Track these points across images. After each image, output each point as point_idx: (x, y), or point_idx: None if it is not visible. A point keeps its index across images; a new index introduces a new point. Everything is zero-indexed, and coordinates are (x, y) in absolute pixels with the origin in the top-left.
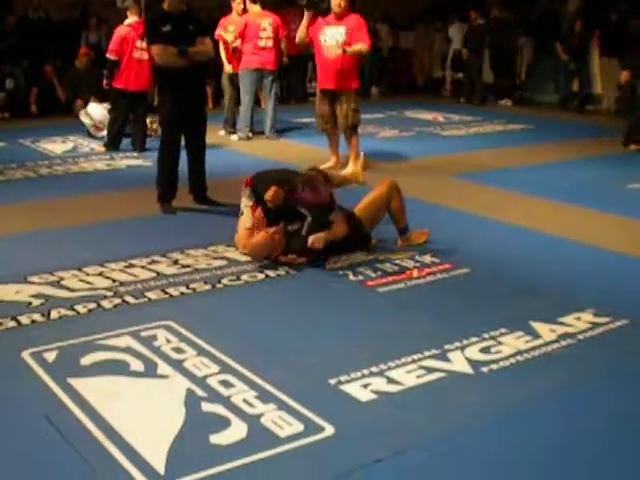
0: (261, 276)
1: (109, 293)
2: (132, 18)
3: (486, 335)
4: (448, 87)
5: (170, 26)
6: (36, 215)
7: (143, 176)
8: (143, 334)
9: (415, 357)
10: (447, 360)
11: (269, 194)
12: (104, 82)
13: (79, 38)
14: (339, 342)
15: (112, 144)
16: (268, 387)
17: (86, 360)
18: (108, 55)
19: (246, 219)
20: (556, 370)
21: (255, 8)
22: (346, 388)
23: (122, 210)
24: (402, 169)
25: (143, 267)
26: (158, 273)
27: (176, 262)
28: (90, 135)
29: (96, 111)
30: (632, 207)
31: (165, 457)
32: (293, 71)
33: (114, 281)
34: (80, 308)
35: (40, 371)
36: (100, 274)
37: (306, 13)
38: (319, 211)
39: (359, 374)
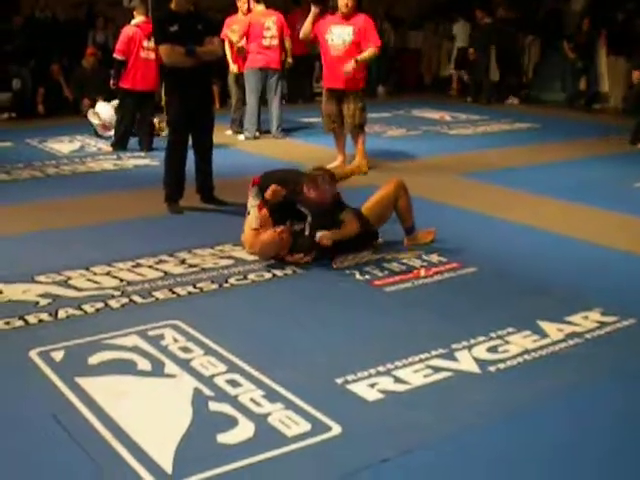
0: (268, 275)
1: (116, 293)
2: (139, 18)
3: (493, 334)
4: (455, 86)
5: (178, 26)
6: (43, 215)
7: (150, 176)
8: (150, 333)
9: (422, 356)
10: (454, 359)
11: (268, 192)
12: (111, 82)
13: (86, 38)
14: (346, 341)
15: (119, 144)
16: (275, 386)
17: (93, 359)
18: (115, 55)
19: (252, 219)
20: (563, 369)
21: (259, 8)
22: (353, 387)
23: (129, 210)
24: (409, 168)
25: (150, 267)
26: (165, 272)
27: (183, 262)
28: (97, 135)
29: (104, 110)
30: (639, 206)
31: (172, 456)
32: (300, 71)
33: (121, 281)
34: (87, 307)
35: (47, 370)
36: (107, 274)
37: (313, 9)
38: (320, 211)
39: (366, 373)
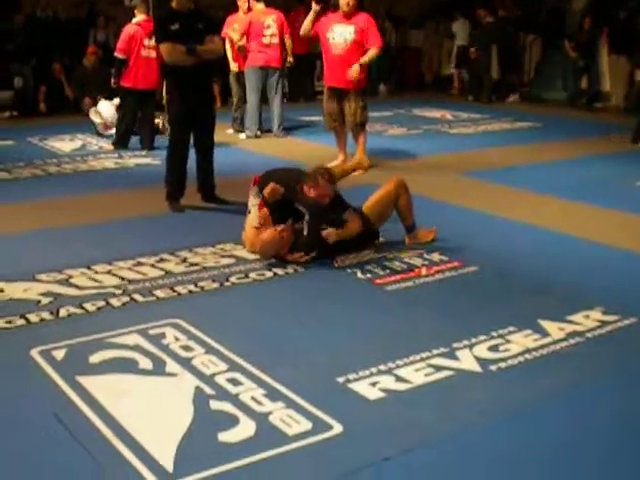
0: (269, 274)
1: (118, 291)
2: (140, 16)
3: (494, 333)
4: (456, 85)
5: (179, 24)
6: (44, 213)
7: (151, 174)
8: (151, 332)
9: (423, 355)
10: (456, 358)
11: (266, 191)
12: (112, 81)
13: (87, 36)
14: (347, 340)
15: (120, 142)
16: (276, 385)
17: (95, 358)
18: (116, 54)
19: (253, 218)
20: (565, 368)
21: (259, 6)
22: (354, 386)
23: (130, 208)
24: (410, 167)
25: (151, 265)
26: (166, 271)
27: (184, 260)
28: (98, 133)
29: (106, 109)
30: None
31: (173, 455)
32: (301, 69)
33: (123, 279)
34: (89, 306)
35: (49, 369)
36: (109, 272)
37: (314, 6)
38: (318, 210)
39: (367, 372)
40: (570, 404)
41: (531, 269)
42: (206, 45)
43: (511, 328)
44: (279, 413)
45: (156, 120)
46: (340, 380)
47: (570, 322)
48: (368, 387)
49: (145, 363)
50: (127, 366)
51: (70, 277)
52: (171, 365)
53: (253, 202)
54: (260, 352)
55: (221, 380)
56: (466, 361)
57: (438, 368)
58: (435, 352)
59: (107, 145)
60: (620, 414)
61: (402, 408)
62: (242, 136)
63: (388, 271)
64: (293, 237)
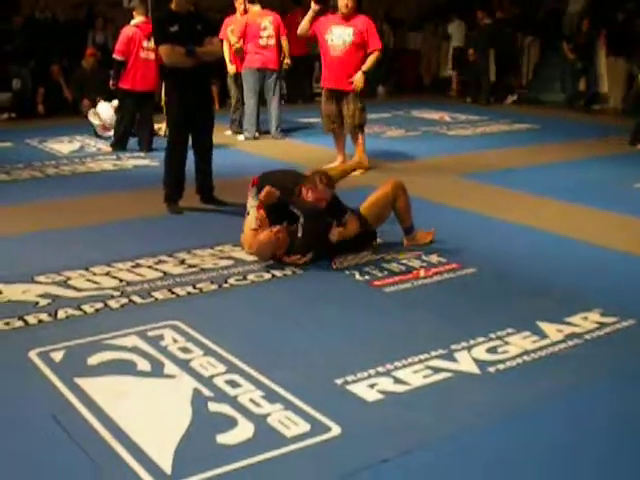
0: (267, 276)
1: (116, 293)
2: (138, 18)
3: (493, 335)
4: (455, 87)
5: (178, 26)
6: (43, 215)
7: (150, 176)
8: (150, 334)
9: (422, 357)
10: (454, 360)
11: (262, 194)
12: (111, 82)
13: (85, 38)
14: (345, 342)
15: (119, 144)
16: (275, 387)
17: (93, 360)
18: (115, 56)
19: (252, 219)
20: (563, 370)
21: (255, 8)
22: (352, 388)
23: (129, 210)
24: (408, 169)
25: (150, 267)
26: (165, 273)
27: (183, 262)
28: (97, 135)
29: (105, 111)
30: (639, 206)
31: (172, 457)
32: (299, 71)
33: (121, 281)
34: (87, 308)
35: (47, 371)
36: (107, 274)
37: (313, 6)
38: (314, 213)
39: (365, 374)
40: (568, 406)
41: (529, 271)
42: (205, 47)
43: (509, 330)
44: (277, 415)
45: (156, 126)
46: (338, 382)
47: (568, 324)
48: (366, 389)
49: (143, 365)
50: (125, 368)
51: (68, 279)
52: (169, 367)
53: (252, 203)
54: (258, 354)
55: (219, 382)
56: (464, 363)
57: (436, 370)
58: (433, 354)
59: (105, 147)
60: (618, 416)
61: (400, 410)
62: (240, 138)
63: (386, 273)
64: (288, 239)
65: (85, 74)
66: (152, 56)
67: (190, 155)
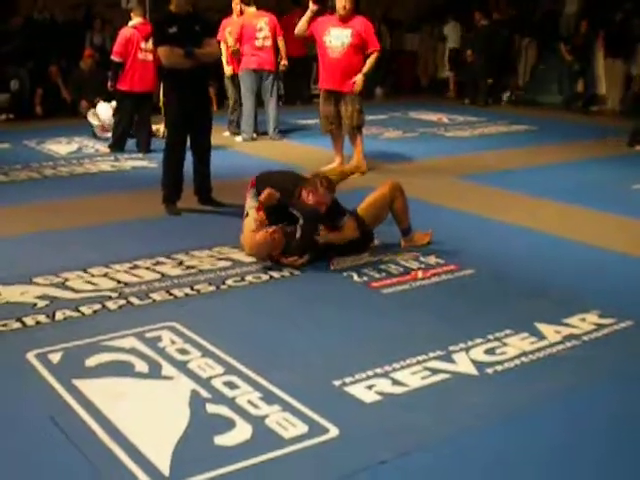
0: (265, 277)
1: (114, 294)
2: (136, 19)
3: (491, 336)
4: (452, 88)
5: (177, 27)
6: (41, 216)
7: (148, 177)
8: (148, 335)
9: (420, 358)
10: (452, 361)
11: (262, 196)
12: (109, 84)
13: (84, 39)
14: (343, 343)
15: (117, 145)
16: (273, 388)
17: (91, 361)
18: (113, 57)
19: (251, 220)
20: (561, 371)
21: (251, 10)
22: (351, 389)
23: (127, 211)
24: (406, 170)
25: (148, 268)
26: (163, 274)
27: (181, 263)
28: (95, 136)
29: (104, 111)
30: (637, 208)
31: (170, 458)
32: (297, 72)
33: (119, 282)
34: (85, 309)
35: (45, 372)
36: (105, 275)
37: (311, 6)
38: (314, 215)
39: (364, 375)
40: (566, 407)
41: (527, 272)
42: (204, 48)
43: (507, 331)
44: (275, 416)
45: (154, 127)
46: (336, 383)
47: (566, 325)
48: (364, 390)
49: (141, 366)
50: (123, 369)
51: (66, 280)
52: (167, 368)
53: (251, 204)
54: (256, 355)
55: (217, 383)
56: (462, 364)
57: (434, 371)
58: (431, 355)
59: (103, 148)
60: (616, 417)
61: (398, 411)
62: (238, 139)
63: (384, 274)
64: (284, 239)
65: (83, 75)
66: (150, 57)
67: (188, 156)
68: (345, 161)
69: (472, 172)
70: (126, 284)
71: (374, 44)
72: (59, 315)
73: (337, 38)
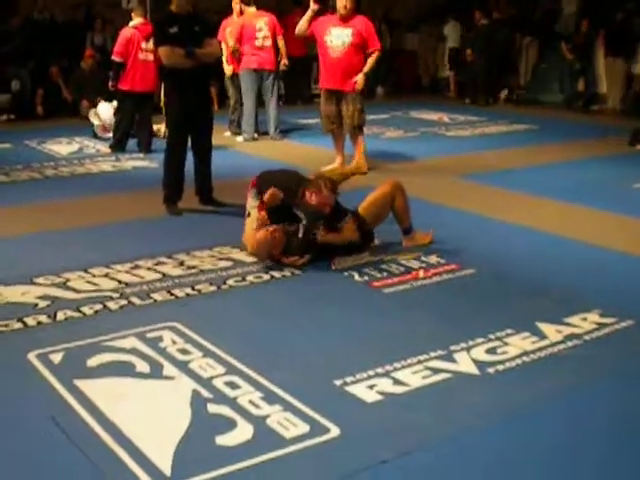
0: (266, 277)
1: (115, 294)
2: (137, 19)
3: (492, 336)
4: (453, 87)
5: (177, 27)
6: (42, 216)
7: (149, 177)
8: (149, 335)
9: (421, 358)
10: (453, 361)
11: (266, 196)
12: (110, 84)
13: (84, 39)
14: (344, 343)
15: (118, 145)
16: (274, 388)
17: (92, 361)
18: (113, 57)
19: (253, 220)
20: (562, 371)
21: (250, 10)
22: (352, 389)
23: (128, 211)
24: (407, 169)
25: (149, 268)
26: (164, 274)
27: (182, 263)
28: (96, 136)
29: (105, 111)
30: (638, 207)
31: (171, 458)
32: (298, 72)
33: (120, 282)
34: (86, 309)
35: (46, 372)
36: (106, 275)
37: (312, 5)
38: (317, 216)
39: (365, 375)
40: (568, 406)
41: (528, 271)
42: (204, 48)
43: (509, 330)
44: (276, 416)
45: (155, 127)
46: (337, 383)
47: (567, 324)
48: (365, 390)
49: (142, 366)
50: (124, 369)
51: (67, 280)
52: (168, 368)
53: (252, 204)
54: (257, 355)
55: (219, 383)
56: (464, 364)
57: (436, 371)
58: (433, 355)
59: (104, 148)
60: (618, 416)
61: (399, 411)
62: (239, 139)
63: (385, 274)
64: (285, 238)
65: (84, 75)
66: (151, 57)
67: (189, 156)
68: (346, 161)
69: (473, 171)
70: (127, 284)
71: (375, 44)
72: (60, 315)
73: (338, 38)
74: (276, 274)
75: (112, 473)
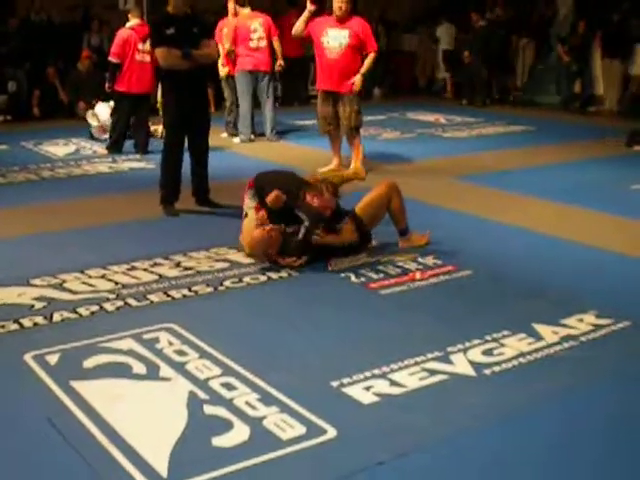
0: (263, 278)
1: (111, 296)
2: (134, 21)
3: (488, 337)
4: (449, 89)
5: (174, 29)
6: (38, 218)
7: (145, 178)
8: (145, 337)
9: (418, 359)
10: (450, 362)
11: (270, 198)
12: (106, 85)
13: (81, 41)
14: (341, 344)
15: (114, 146)
16: (270, 390)
17: (88, 363)
18: (110, 58)
19: (250, 221)
20: (559, 372)
21: (245, 11)
22: (348, 390)
23: (124, 212)
24: (404, 170)
25: (145, 270)
26: (160, 276)
27: (178, 264)
28: (92, 137)
29: (103, 111)
30: (635, 208)
31: (168, 460)
32: (295, 73)
33: (116, 284)
34: (82, 311)
35: (42, 374)
36: (102, 277)
37: (309, 6)
38: (319, 218)
39: (361, 376)
40: (564, 407)
41: (525, 273)
42: (201, 49)
43: (505, 332)
44: (273, 418)
45: (153, 127)
46: (334, 384)
47: (564, 326)
48: (362, 391)
49: (139, 368)
50: (121, 371)
51: (64, 282)
52: (165, 370)
53: (250, 205)
54: (254, 356)
55: (215, 385)
56: (460, 365)
57: (432, 372)
58: (429, 356)
59: (101, 149)
60: (614, 417)
61: (396, 412)
62: (236, 140)
63: (382, 275)
64: (281, 238)
65: (81, 76)
66: (147, 58)
67: (186, 157)
68: (343, 162)
69: (470, 173)
70: (124, 285)
71: (372, 45)
72: (56, 317)
73: (335, 39)
74: (273, 275)
75: (108, 474)
